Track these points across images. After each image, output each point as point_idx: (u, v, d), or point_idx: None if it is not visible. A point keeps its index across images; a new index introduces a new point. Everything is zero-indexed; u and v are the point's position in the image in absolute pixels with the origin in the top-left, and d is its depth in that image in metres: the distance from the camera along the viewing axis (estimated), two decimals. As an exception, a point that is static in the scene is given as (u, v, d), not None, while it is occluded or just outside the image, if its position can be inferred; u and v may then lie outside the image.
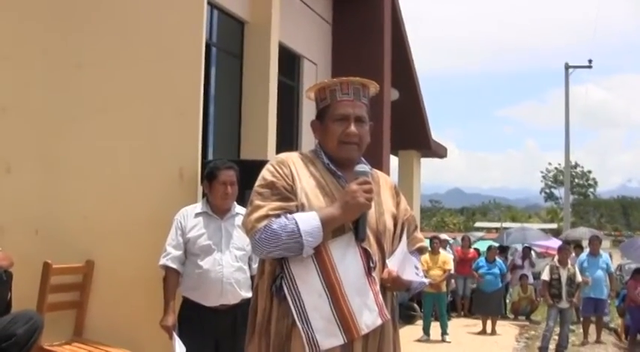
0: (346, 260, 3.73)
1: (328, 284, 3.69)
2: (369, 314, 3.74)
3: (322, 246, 3.69)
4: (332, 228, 3.71)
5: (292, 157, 3.96)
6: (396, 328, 4.06)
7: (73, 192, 8.13)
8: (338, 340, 3.68)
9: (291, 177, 3.82)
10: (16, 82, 8.20)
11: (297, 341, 3.68)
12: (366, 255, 3.79)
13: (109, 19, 8.33)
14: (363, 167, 3.85)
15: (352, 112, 3.91)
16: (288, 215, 3.69)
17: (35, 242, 7.96)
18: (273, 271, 3.79)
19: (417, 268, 4.01)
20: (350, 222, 3.77)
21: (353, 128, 3.89)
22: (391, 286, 3.89)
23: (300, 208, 3.74)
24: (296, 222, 3.63)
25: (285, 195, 3.77)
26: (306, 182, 3.83)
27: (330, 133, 3.92)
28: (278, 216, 3.69)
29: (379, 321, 3.78)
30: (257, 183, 3.85)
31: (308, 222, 3.64)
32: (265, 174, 3.86)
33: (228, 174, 6.76)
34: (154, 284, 7.00)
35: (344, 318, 3.68)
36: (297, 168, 3.88)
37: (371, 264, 3.79)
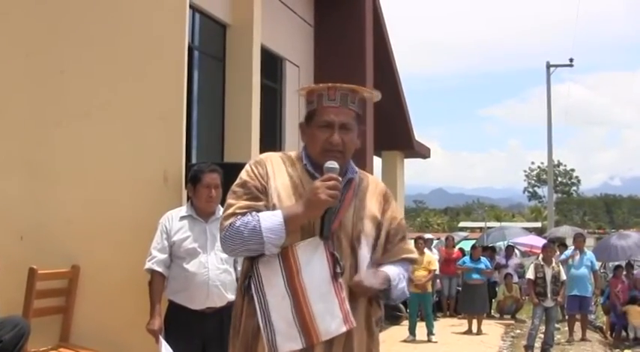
0: (312, 264, 3.71)
1: (291, 288, 3.68)
2: (331, 321, 3.69)
3: (289, 248, 3.69)
4: (296, 226, 3.70)
5: (272, 157, 3.96)
6: (371, 334, 3.96)
7: (57, 198, 8.12)
8: (297, 344, 3.67)
9: (265, 176, 3.83)
10: (0, 88, 8.19)
11: (262, 341, 3.70)
12: (333, 260, 3.74)
13: (91, 24, 8.32)
14: (332, 163, 3.75)
15: (336, 120, 3.83)
16: (254, 213, 3.70)
17: (20, 247, 7.94)
18: (246, 270, 3.85)
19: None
20: (317, 221, 3.75)
21: (336, 137, 3.82)
22: (356, 291, 3.81)
23: (272, 208, 3.74)
24: (258, 219, 3.66)
25: (255, 194, 3.78)
26: (280, 182, 3.83)
27: (314, 139, 3.88)
28: (244, 214, 3.71)
29: (343, 328, 3.72)
30: (235, 182, 3.90)
31: (270, 219, 3.66)
32: (242, 173, 3.90)
33: (212, 177, 6.76)
34: (140, 288, 7.00)
35: (304, 323, 3.66)
36: (274, 167, 3.88)
37: (337, 270, 3.73)
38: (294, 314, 3.67)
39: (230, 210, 3.75)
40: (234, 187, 3.86)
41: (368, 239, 3.90)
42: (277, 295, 3.68)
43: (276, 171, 3.88)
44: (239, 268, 6.41)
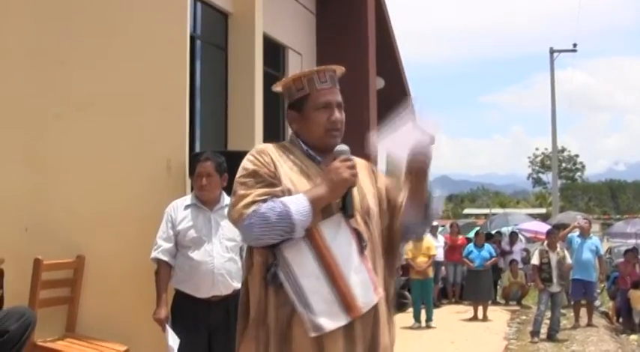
0: (338, 239, 3.73)
1: (324, 265, 3.68)
2: (366, 291, 3.74)
3: (313, 228, 3.69)
4: (320, 207, 3.71)
5: (269, 147, 3.95)
6: (390, 310, 4.03)
7: (61, 188, 8.12)
8: (341, 320, 3.66)
9: (272, 164, 3.81)
10: (0, 79, 8.18)
11: (299, 328, 3.65)
12: (357, 234, 3.80)
13: (91, 14, 8.31)
14: (342, 146, 3.84)
15: (334, 99, 3.93)
16: (274, 199, 3.68)
17: (25, 239, 7.94)
18: (265, 261, 3.76)
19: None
20: (337, 202, 3.78)
21: (338, 114, 3.92)
22: (418, 159, 3.88)
23: (287, 193, 3.73)
24: (285, 204, 3.62)
25: (270, 181, 3.75)
26: (288, 168, 3.83)
27: (314, 122, 3.91)
28: (265, 201, 3.67)
29: (375, 299, 3.78)
30: (238, 174, 3.84)
31: (296, 202, 3.63)
32: (246, 164, 3.85)
33: (204, 166, 6.79)
34: (146, 278, 7.01)
35: (344, 298, 3.67)
36: (276, 155, 3.88)
37: (362, 243, 3.80)
38: (333, 291, 3.67)
39: (248, 199, 3.69)
40: (240, 179, 3.80)
41: (374, 213, 3.97)
42: (311, 276, 3.67)
43: (280, 158, 3.87)
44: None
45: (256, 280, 3.80)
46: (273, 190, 3.72)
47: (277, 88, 4.08)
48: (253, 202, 3.67)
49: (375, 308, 3.81)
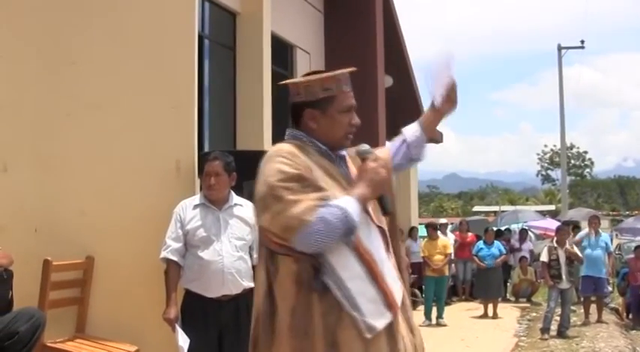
0: (371, 238, 3.76)
1: (366, 266, 3.69)
2: (396, 288, 3.82)
3: None
4: (364, 208, 3.73)
5: (293, 147, 3.84)
6: (409, 298, 4.12)
7: (70, 189, 8.13)
8: (387, 318, 3.70)
9: (309, 166, 3.73)
10: (11, 80, 8.16)
11: (347, 332, 3.62)
12: (382, 232, 3.87)
13: (101, 14, 8.31)
14: (364, 146, 3.91)
15: (354, 104, 3.96)
16: (329, 203, 3.60)
17: (35, 239, 7.95)
18: (300, 269, 3.66)
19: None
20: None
21: (357, 119, 3.95)
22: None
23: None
24: (342, 208, 3.57)
25: (317, 184, 3.67)
26: (317, 170, 3.77)
27: (337, 124, 3.90)
28: (322, 206, 3.57)
29: (401, 294, 3.88)
30: (275, 178, 3.65)
31: (351, 205, 3.60)
32: (282, 167, 3.68)
33: (212, 165, 6.78)
34: (156, 278, 7.02)
35: (386, 295, 3.71)
36: (304, 157, 3.79)
37: (387, 240, 3.89)
38: (377, 291, 3.70)
39: (305, 205, 3.55)
40: (282, 183, 3.61)
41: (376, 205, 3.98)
42: (356, 278, 3.66)
43: (307, 159, 3.80)
44: (255, 255, 6.45)
45: (290, 288, 3.69)
46: (324, 194, 3.64)
47: (298, 84, 4.01)
48: (314, 207, 3.56)
49: (403, 303, 3.90)
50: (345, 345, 3.62)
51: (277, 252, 3.68)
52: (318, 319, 3.63)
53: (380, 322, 3.67)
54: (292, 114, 4.02)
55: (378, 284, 3.70)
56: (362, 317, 3.62)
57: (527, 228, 28.69)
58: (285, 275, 3.69)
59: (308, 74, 4.02)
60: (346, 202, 3.61)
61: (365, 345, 3.63)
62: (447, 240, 18.47)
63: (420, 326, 16.18)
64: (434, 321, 16.83)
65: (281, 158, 3.72)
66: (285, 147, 3.84)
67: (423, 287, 17.88)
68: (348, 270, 3.65)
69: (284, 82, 4.09)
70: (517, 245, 23.59)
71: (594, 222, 18.35)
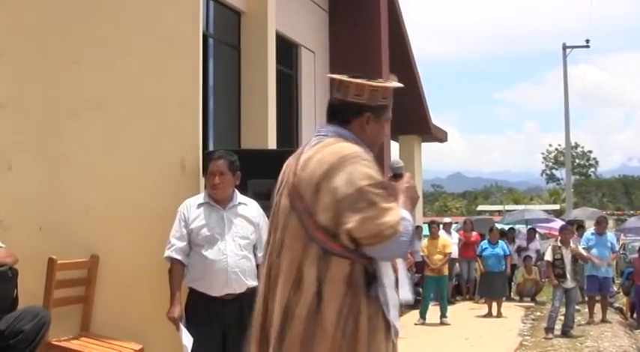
0: None
1: (395, 273, 3.89)
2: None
3: None
4: None
5: (363, 151, 3.83)
6: None
7: (75, 188, 8.13)
8: (399, 322, 3.87)
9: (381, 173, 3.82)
10: (14, 79, 8.17)
11: (380, 335, 3.73)
12: None
13: (105, 13, 8.31)
14: (398, 162, 4.13)
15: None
16: (403, 215, 3.71)
17: (39, 238, 7.95)
18: (354, 272, 3.69)
19: None
20: None
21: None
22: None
23: None
24: (411, 221, 3.73)
25: (391, 192, 3.80)
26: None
27: (381, 132, 4.03)
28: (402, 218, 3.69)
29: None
30: (366, 182, 3.65)
31: (410, 217, 3.75)
32: (370, 171, 3.70)
33: (216, 164, 6.77)
34: (160, 277, 7.03)
35: (400, 301, 3.92)
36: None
37: None
38: (397, 297, 3.89)
39: (396, 215, 3.62)
40: (373, 189, 3.64)
41: None
42: (391, 285, 3.82)
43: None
44: (259, 254, 6.46)
45: (340, 289, 3.69)
46: (397, 204, 3.76)
47: (364, 86, 3.94)
48: (402, 219, 3.66)
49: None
50: (377, 349, 3.72)
51: (334, 252, 3.68)
52: (364, 322, 3.69)
53: (397, 325, 3.83)
54: (346, 112, 3.94)
55: (398, 291, 3.88)
56: (392, 322, 3.78)
57: (533, 227, 28.63)
58: (338, 276, 3.69)
59: (354, 77, 3.92)
60: (408, 215, 3.73)
61: (387, 349, 3.77)
62: (448, 239, 18.48)
63: (415, 324, 16.26)
64: (429, 320, 16.80)
65: (366, 161, 3.74)
66: (358, 149, 3.81)
67: (423, 284, 17.85)
68: (388, 277, 3.80)
69: (345, 78, 3.93)
70: (524, 244, 23.56)
71: (603, 222, 18.33)
